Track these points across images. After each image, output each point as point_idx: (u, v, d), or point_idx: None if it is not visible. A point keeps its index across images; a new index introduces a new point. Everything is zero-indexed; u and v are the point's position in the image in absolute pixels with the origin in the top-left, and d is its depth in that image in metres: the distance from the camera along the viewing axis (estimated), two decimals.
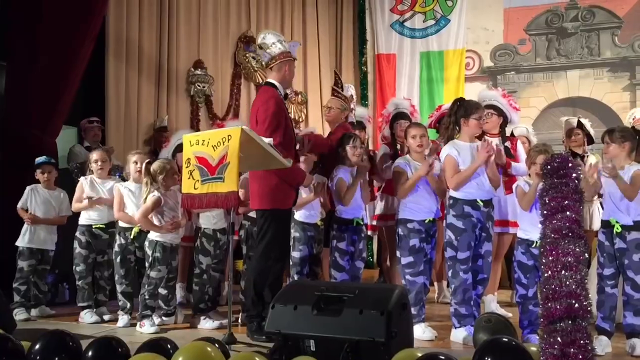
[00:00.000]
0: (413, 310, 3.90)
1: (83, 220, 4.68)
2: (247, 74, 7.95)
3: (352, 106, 5.23)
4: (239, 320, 4.38)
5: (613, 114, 7.86)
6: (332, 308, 2.97)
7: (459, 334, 3.88)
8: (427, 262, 4.13)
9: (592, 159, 5.21)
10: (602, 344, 3.61)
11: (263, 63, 4.28)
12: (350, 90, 5.47)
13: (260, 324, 3.78)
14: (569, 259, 2.06)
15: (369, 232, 5.17)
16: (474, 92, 6.68)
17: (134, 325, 4.27)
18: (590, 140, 5.42)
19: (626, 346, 3.66)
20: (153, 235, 4.30)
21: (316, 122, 7.72)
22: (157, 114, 7.10)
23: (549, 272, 2.10)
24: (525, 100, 8.28)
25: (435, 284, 5.59)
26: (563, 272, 2.06)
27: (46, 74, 5.66)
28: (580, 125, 5.38)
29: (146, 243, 4.31)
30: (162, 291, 4.35)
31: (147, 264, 4.29)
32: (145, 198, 4.26)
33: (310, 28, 8.76)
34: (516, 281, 3.93)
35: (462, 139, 4.03)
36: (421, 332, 3.91)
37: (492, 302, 4.68)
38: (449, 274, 3.97)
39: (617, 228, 3.66)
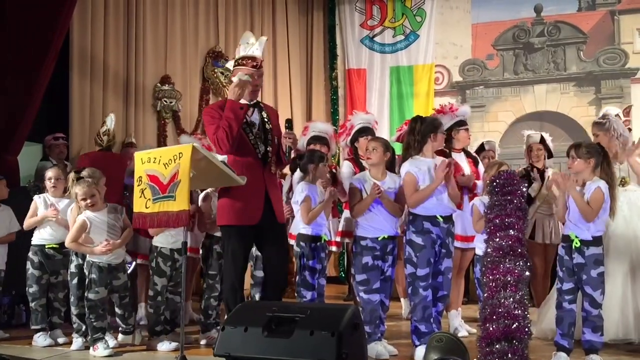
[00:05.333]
0: (368, 329, 3.83)
1: (36, 240, 4.56)
2: (215, 89, 7.90)
3: None
4: (200, 342, 4.31)
5: (579, 127, 7.93)
6: (283, 329, 2.91)
7: (420, 352, 3.82)
8: (385, 280, 4.05)
9: (550, 172, 5.26)
10: None
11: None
12: None
13: None
14: (509, 279, 2.03)
15: (333, 249, 5.06)
16: None
17: (89, 348, 4.15)
18: (549, 155, 5.48)
19: None
20: (90, 257, 4.19)
21: None
22: (124, 130, 7.00)
23: (488, 292, 2.06)
24: (494, 114, 8.34)
25: (402, 300, 5.54)
26: (502, 292, 2.02)
27: (7, 91, 5.55)
28: (542, 140, 5.46)
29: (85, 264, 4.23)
30: (118, 311, 4.27)
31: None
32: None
33: (281, 43, 8.75)
34: (478, 297, 3.90)
35: (425, 155, 4.01)
36: (375, 351, 3.85)
37: (455, 318, 4.64)
38: (409, 290, 3.93)
39: (576, 243, 3.66)
